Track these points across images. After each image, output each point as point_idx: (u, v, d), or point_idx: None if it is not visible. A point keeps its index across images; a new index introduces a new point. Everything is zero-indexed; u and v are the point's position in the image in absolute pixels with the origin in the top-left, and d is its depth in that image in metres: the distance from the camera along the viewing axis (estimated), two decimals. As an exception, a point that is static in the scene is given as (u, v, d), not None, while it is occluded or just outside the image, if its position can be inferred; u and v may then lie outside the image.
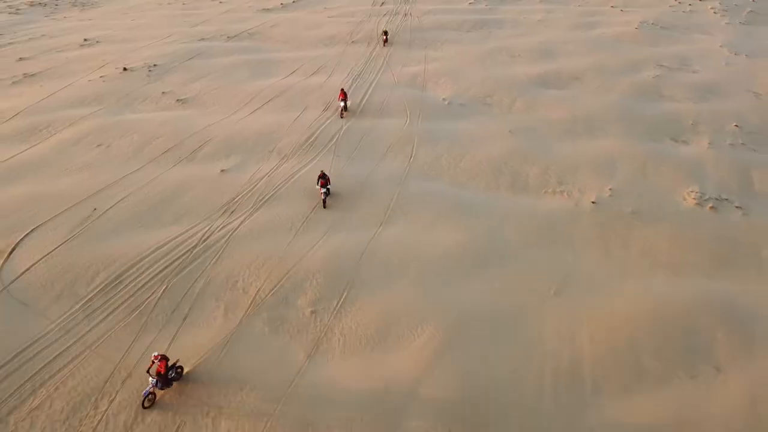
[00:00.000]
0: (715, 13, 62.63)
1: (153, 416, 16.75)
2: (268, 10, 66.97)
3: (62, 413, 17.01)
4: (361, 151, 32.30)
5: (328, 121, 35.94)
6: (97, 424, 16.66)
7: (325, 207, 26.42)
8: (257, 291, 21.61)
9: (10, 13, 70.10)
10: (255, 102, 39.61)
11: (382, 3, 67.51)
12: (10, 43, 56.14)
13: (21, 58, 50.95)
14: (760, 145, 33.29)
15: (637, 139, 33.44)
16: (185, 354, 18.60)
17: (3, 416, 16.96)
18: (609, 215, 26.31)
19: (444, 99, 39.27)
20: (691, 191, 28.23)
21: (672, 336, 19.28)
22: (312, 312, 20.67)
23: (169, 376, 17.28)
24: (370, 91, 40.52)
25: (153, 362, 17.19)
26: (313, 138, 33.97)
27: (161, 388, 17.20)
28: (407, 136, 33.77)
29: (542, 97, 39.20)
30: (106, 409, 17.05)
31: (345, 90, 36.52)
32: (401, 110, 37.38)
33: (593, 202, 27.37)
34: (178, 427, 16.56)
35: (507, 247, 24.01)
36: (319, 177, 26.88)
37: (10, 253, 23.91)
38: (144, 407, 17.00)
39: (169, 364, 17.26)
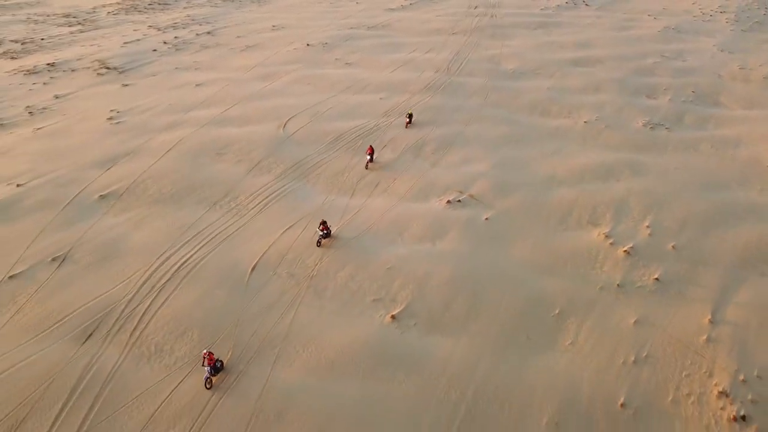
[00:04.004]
0: (726, 22, 79.81)
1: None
2: (392, 9, 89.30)
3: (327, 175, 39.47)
4: (457, 93, 53.77)
5: (438, 78, 57.63)
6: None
7: (319, 246, 30.79)
8: (405, 146, 43.53)
9: (211, 7, 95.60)
10: (392, 66, 61.75)
11: (476, 7, 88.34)
12: (225, 27, 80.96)
13: (238, 36, 75.39)
14: (701, 103, 52.23)
15: (623, 95, 53.21)
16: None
17: (305, 173, 39.70)
18: (591, 127, 46.65)
19: (510, 69, 60.14)
20: (644, 120, 48.15)
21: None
22: (433, 151, 42.56)
23: (217, 366, 22.29)
24: (464, 63, 61.84)
25: (204, 357, 22.09)
26: (428, 86, 55.70)
27: (214, 374, 22.35)
28: (485, 87, 54.99)
29: (572, 71, 59.39)
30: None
31: (373, 147, 40.97)
32: (483, 74, 58.55)
33: (585, 122, 47.75)
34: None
35: (533, 136, 44.88)
36: (321, 223, 30.92)
37: (285, 124, 47.15)
38: (207, 388, 22.35)
39: (215, 358, 22.49)
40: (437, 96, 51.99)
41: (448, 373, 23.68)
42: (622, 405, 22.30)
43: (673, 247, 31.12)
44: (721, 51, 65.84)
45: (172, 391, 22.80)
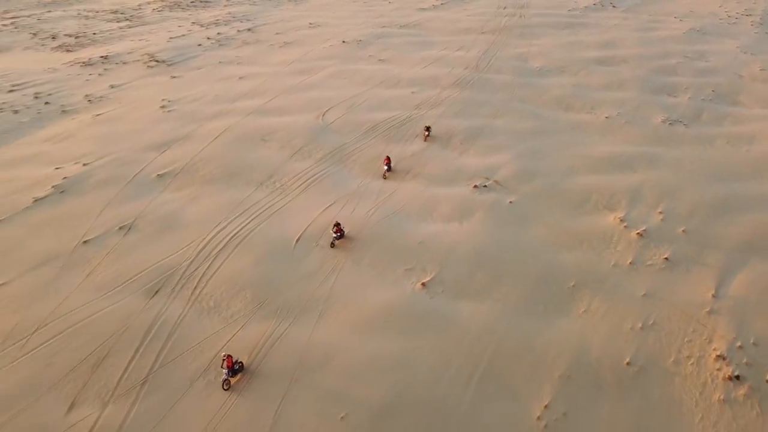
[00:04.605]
0: (751, 24, 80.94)
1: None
2: (423, 9, 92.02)
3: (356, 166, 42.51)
4: (485, 89, 56.23)
5: (467, 75, 60.30)
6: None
7: (333, 247, 31.62)
8: (434, 136, 46.37)
9: (250, 5, 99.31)
10: (423, 63, 64.49)
11: (505, 7, 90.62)
12: (264, 24, 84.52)
13: (277, 33, 78.86)
14: (720, 102, 54.02)
15: (644, 93, 55.25)
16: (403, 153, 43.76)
17: (342, 158, 42.81)
18: (611, 122, 48.89)
19: (537, 67, 62.50)
20: (663, 117, 50.29)
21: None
22: (461, 142, 45.31)
23: (235, 368, 22.93)
24: (492, 61, 64.36)
25: (223, 360, 22.56)
26: (457, 82, 58.33)
27: (232, 376, 22.87)
28: (512, 84, 57.42)
29: (596, 69, 61.53)
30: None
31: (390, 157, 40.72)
32: (511, 71, 60.95)
33: (606, 117, 50.01)
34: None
35: (556, 129, 47.20)
36: (335, 224, 31.80)
37: (323, 114, 50.31)
38: (224, 389, 22.79)
39: (233, 360, 23.11)
40: (466, 91, 54.63)
41: (471, 332, 26.44)
42: (627, 363, 24.85)
43: (683, 231, 33.40)
44: (744, 53, 67.21)
45: (229, 339, 25.99)
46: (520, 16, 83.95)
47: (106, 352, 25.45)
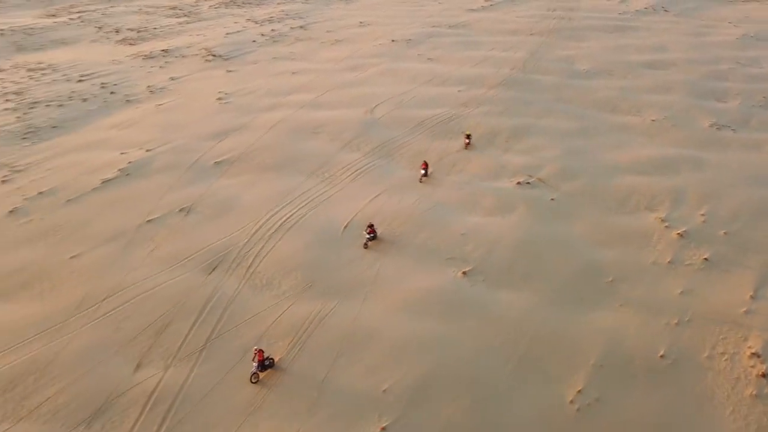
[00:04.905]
0: (809, 31, 79.16)
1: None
2: (472, 10, 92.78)
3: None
4: (531, 89, 56.82)
5: (513, 75, 60.97)
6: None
7: (366, 248, 31.98)
8: (479, 134, 47.38)
9: (303, 3, 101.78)
10: (470, 62, 65.41)
11: (554, 10, 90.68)
12: (316, 22, 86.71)
13: (328, 31, 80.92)
14: (771, 107, 53.68)
15: (693, 98, 54.95)
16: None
17: (390, 152, 44.25)
18: (657, 125, 48.92)
19: (583, 69, 62.73)
20: (710, 121, 50.10)
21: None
22: (505, 139, 46.23)
23: (266, 363, 23.46)
24: (539, 62, 64.82)
25: (254, 354, 23.24)
26: (504, 81, 59.05)
27: (261, 371, 23.39)
28: (558, 85, 57.85)
29: (644, 73, 61.39)
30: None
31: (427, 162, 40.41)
32: (557, 72, 61.34)
33: (652, 120, 50.14)
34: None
35: (600, 130, 47.58)
36: (368, 225, 32.22)
37: (372, 110, 51.88)
38: (252, 382, 23.39)
39: (265, 355, 23.65)
40: (512, 91, 55.46)
41: (509, 319, 27.54)
42: (661, 356, 25.57)
43: (724, 233, 33.73)
44: (799, 59, 65.93)
45: (281, 314, 27.77)
46: (569, 19, 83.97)
47: (169, 321, 27.48)
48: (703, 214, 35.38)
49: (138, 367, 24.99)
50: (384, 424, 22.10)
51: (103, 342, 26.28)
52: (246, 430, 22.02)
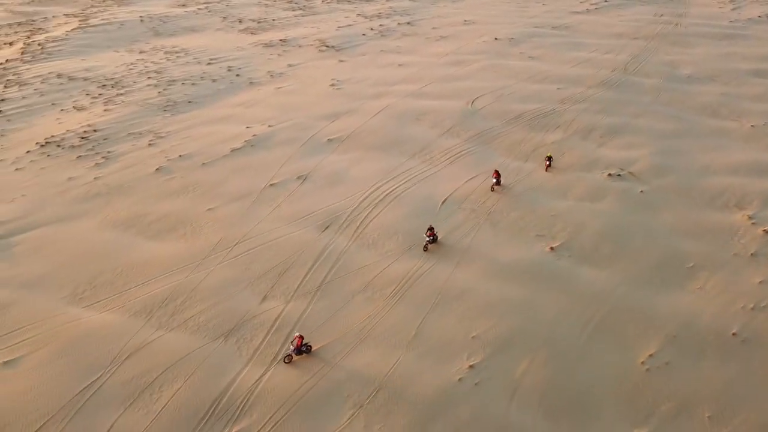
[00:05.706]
0: None
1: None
2: (577, 12, 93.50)
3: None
4: (630, 90, 57.64)
5: (614, 76, 61.91)
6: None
7: (426, 251, 32.69)
8: (574, 129, 49.34)
9: (410, 1, 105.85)
10: (571, 62, 66.97)
11: (662, 15, 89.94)
12: (422, 19, 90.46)
13: (433, 27, 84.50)
14: None
15: (799, 105, 54.53)
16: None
17: (487, 140, 47.36)
18: (757, 131, 48.54)
19: (686, 74, 62.87)
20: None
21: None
22: (600, 135, 48.16)
23: (302, 349, 25.05)
24: (640, 65, 65.47)
25: (294, 338, 24.99)
26: (603, 82, 60.05)
27: (297, 354, 25.04)
28: (658, 88, 58.41)
29: (750, 80, 60.55)
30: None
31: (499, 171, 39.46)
32: (658, 76, 61.71)
33: (752, 126, 50.24)
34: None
35: (697, 132, 48.06)
36: (428, 229, 32.92)
37: (472, 102, 55.07)
38: (285, 362, 25.05)
39: (303, 341, 25.15)
40: (611, 91, 56.94)
41: (590, 292, 30.14)
42: (734, 334, 27.45)
43: (814, 234, 34.52)
44: None
45: (384, 268, 31.73)
46: (677, 25, 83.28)
47: (289, 265, 32.10)
48: (794, 216, 36.10)
49: (264, 299, 29.67)
50: (472, 363, 25.57)
51: (235, 277, 31.19)
52: (354, 354, 26.09)
